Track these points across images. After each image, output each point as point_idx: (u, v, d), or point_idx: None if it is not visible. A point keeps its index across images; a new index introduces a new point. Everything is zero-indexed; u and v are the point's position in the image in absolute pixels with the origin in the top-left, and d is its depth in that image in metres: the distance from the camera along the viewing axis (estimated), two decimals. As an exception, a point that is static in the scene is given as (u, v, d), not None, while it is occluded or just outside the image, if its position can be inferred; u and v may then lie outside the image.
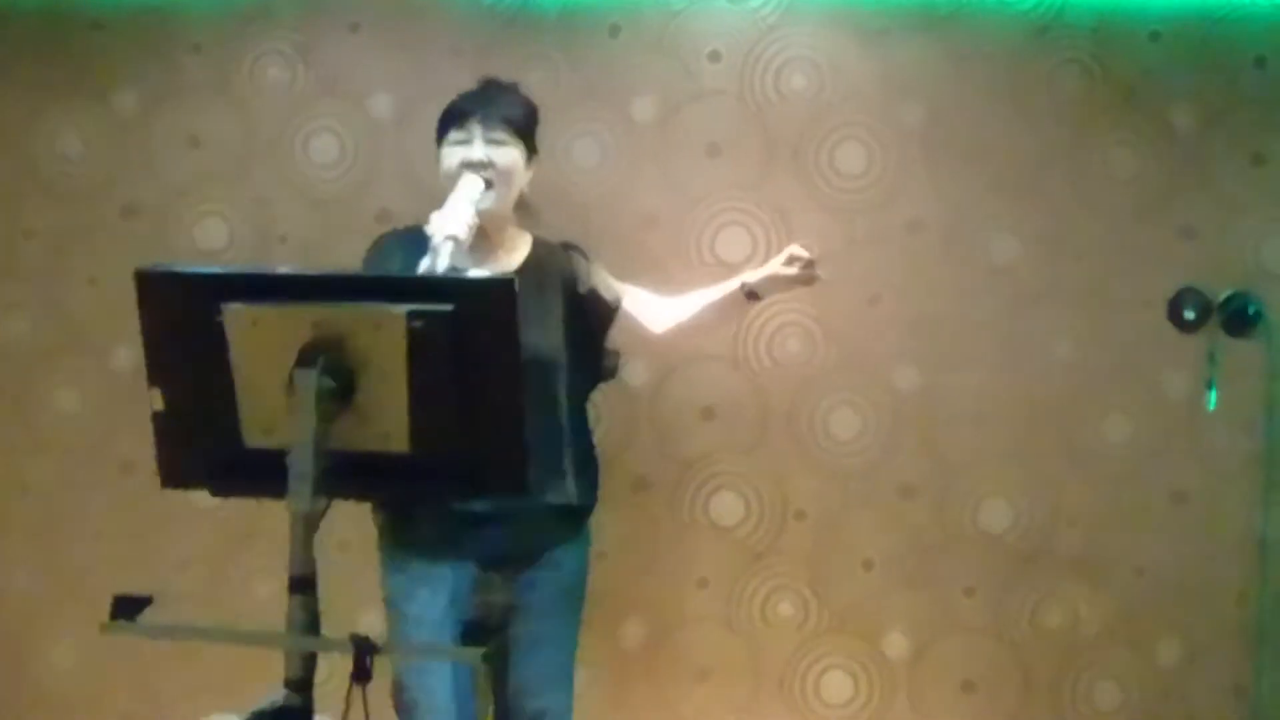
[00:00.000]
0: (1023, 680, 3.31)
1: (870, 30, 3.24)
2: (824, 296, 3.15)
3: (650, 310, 2.83)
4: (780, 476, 3.30)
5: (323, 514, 1.87)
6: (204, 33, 3.28)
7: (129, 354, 3.12)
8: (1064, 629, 3.30)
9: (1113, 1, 3.23)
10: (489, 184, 2.55)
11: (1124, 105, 3.26)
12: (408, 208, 2.96)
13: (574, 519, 2.71)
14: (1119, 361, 3.28)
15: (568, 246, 2.77)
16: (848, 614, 3.31)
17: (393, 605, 2.63)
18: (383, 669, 2.40)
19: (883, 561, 3.31)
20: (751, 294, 2.81)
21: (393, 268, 2.50)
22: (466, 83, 2.76)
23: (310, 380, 1.82)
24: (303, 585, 1.84)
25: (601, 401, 3.16)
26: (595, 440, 2.83)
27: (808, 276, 2.78)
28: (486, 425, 1.90)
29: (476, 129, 2.58)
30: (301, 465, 1.82)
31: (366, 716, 1.82)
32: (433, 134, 2.68)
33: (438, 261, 2.31)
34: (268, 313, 1.87)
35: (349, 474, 1.88)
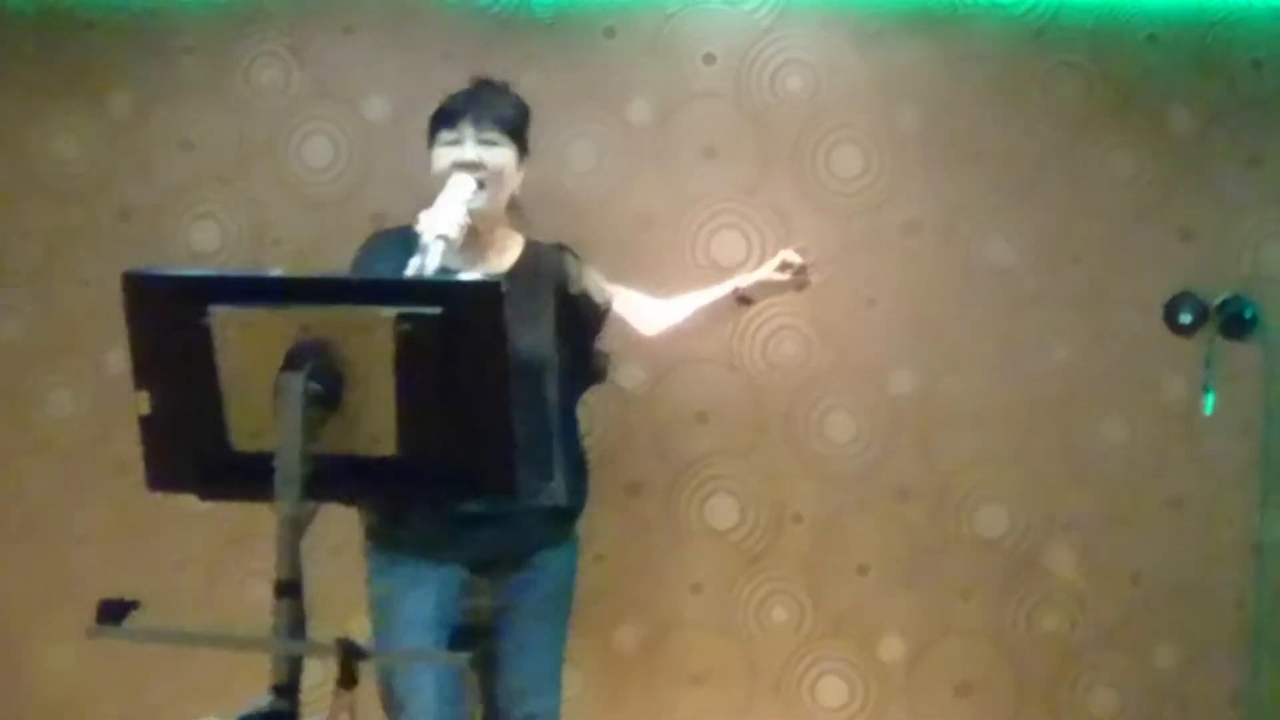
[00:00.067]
0: (1019, 684, 3.30)
1: (866, 32, 3.23)
2: (820, 299, 3.15)
3: (642, 313, 2.82)
4: (776, 480, 3.29)
5: (310, 518, 1.86)
6: (198, 34, 3.27)
7: (123, 356, 3.02)
8: (1060, 633, 3.29)
9: (1109, 4, 3.22)
10: (481, 184, 2.54)
11: (1121, 107, 3.25)
12: (402, 210, 2.92)
13: (563, 521, 2.70)
14: (1116, 364, 3.28)
15: (559, 248, 2.76)
16: (844, 618, 3.30)
17: (380, 606, 2.62)
18: (370, 667, 2.41)
19: (879, 565, 3.30)
20: (744, 298, 2.81)
21: (383, 268, 2.49)
22: (460, 85, 2.75)
23: (297, 383, 1.81)
24: (289, 589, 1.83)
25: (596, 404, 3.16)
26: (588, 443, 2.82)
27: (800, 282, 2.77)
28: (475, 428, 1.89)
29: (468, 130, 2.57)
30: (288, 468, 1.81)
31: (352, 721, 1.81)
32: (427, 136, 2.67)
33: (427, 260, 2.30)
34: (255, 315, 1.86)
35: (337, 477, 1.87)
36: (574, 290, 2.71)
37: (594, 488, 2.88)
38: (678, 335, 2.85)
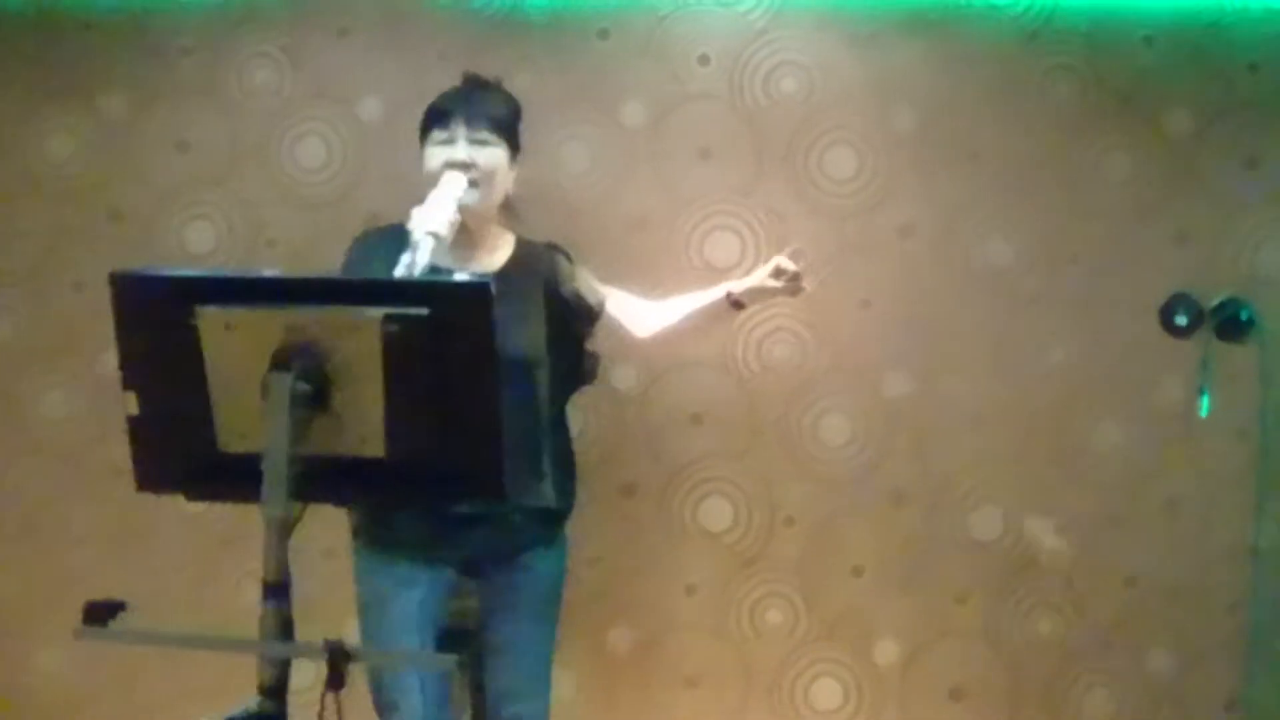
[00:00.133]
0: (1014, 688, 3.29)
1: (860, 34, 3.23)
2: (814, 301, 3.14)
3: (635, 314, 2.82)
4: (770, 482, 3.28)
5: (298, 519, 1.86)
6: (193, 36, 3.27)
7: (117, 358, 3.10)
8: (1055, 637, 3.28)
9: (1104, 6, 3.22)
10: (473, 183, 2.53)
11: (1117, 109, 3.25)
12: (396, 211, 2.91)
13: (551, 522, 2.69)
14: (1112, 367, 3.27)
15: (552, 247, 2.76)
16: (838, 621, 3.29)
17: (369, 608, 2.62)
18: (362, 667, 2.41)
19: (873, 568, 3.29)
20: (737, 303, 2.81)
21: (373, 265, 2.49)
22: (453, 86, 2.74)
23: (284, 384, 1.81)
24: (276, 591, 1.83)
25: (590, 406, 3.16)
26: (582, 444, 2.81)
27: (794, 289, 2.78)
28: (463, 430, 1.90)
29: (460, 129, 2.57)
30: (275, 470, 1.81)
31: (340, 723, 1.81)
32: (421, 138, 2.67)
33: (417, 257, 2.30)
34: (242, 316, 1.86)
35: (324, 479, 1.87)
36: (565, 290, 2.70)
37: (588, 489, 2.88)
38: (670, 338, 2.84)
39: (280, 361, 1.82)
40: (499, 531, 2.54)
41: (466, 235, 2.56)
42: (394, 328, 1.83)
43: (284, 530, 1.82)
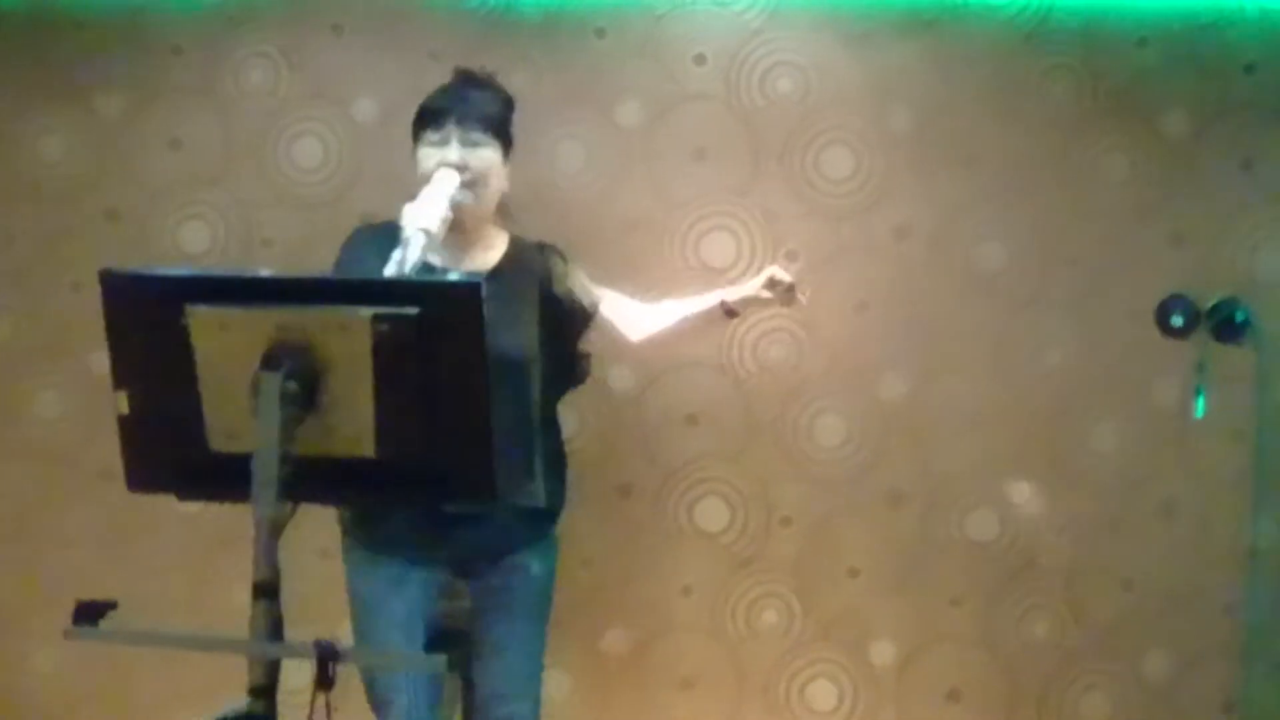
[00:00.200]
0: (1010, 690, 3.28)
1: (856, 34, 3.22)
2: (811, 302, 3.13)
3: (628, 318, 2.80)
4: (766, 483, 3.28)
5: (288, 519, 1.85)
6: (188, 35, 3.27)
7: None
8: (1051, 639, 3.27)
9: (1101, 6, 3.21)
10: (466, 185, 2.52)
11: (1114, 110, 3.24)
12: (392, 211, 2.90)
13: (542, 522, 2.68)
14: (1108, 369, 3.26)
15: (546, 247, 2.75)
16: (834, 622, 3.29)
17: (360, 606, 2.62)
18: (356, 667, 2.40)
19: (869, 569, 3.29)
20: (730, 311, 2.80)
21: (366, 262, 2.47)
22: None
23: (274, 384, 1.81)
24: (266, 591, 1.82)
25: (586, 406, 3.15)
26: (577, 445, 2.80)
27: (787, 300, 2.78)
28: (454, 430, 1.89)
29: (453, 130, 2.55)
30: (265, 470, 1.80)
31: (329, 723, 1.80)
32: (416, 138, 2.66)
33: (408, 254, 2.29)
34: (232, 315, 1.86)
35: (315, 479, 1.87)
36: (559, 290, 2.69)
37: (584, 490, 2.88)
38: (662, 342, 2.84)
39: (270, 361, 1.82)
40: (490, 531, 2.53)
41: (461, 234, 2.55)
42: (384, 327, 1.82)
43: (274, 530, 1.81)
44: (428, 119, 2.58)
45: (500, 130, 2.62)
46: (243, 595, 3.14)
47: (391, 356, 1.83)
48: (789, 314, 3.21)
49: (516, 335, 2.55)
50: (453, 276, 2.52)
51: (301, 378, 1.82)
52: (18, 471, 3.32)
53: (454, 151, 2.54)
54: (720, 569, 3.28)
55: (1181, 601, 3.27)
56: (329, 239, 2.99)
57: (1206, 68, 3.23)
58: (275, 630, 1.82)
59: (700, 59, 3.24)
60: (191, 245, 3.28)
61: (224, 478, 1.87)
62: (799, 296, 2.79)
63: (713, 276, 3.18)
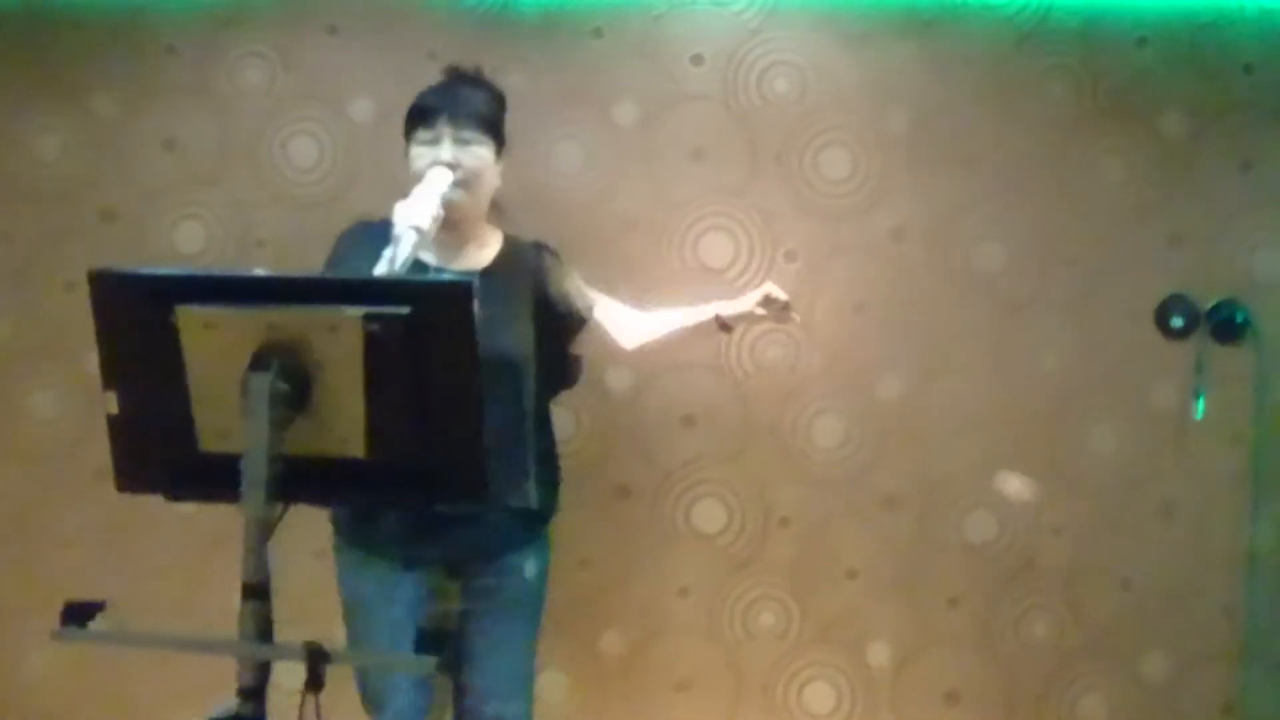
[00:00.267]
0: (1007, 692, 3.27)
1: (854, 34, 3.21)
2: (808, 303, 3.13)
3: (622, 324, 2.80)
4: (763, 484, 3.26)
5: (278, 520, 1.84)
6: (183, 35, 3.26)
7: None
8: (1049, 641, 3.26)
9: (1099, 6, 3.20)
10: (459, 184, 2.52)
11: (1112, 111, 3.23)
12: (387, 211, 2.92)
13: (534, 523, 2.67)
14: (1107, 369, 3.25)
15: (540, 246, 2.74)
16: (831, 624, 3.28)
17: (352, 607, 2.61)
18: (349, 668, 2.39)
19: (867, 570, 3.27)
20: (724, 325, 2.80)
21: (357, 260, 2.47)
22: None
23: (264, 384, 1.80)
24: (255, 592, 1.81)
25: (582, 408, 3.15)
26: (574, 446, 2.79)
27: (782, 318, 2.79)
28: (444, 430, 1.88)
29: (445, 129, 2.54)
30: (255, 470, 1.80)
31: (319, 725, 1.80)
32: (412, 138, 2.65)
33: (399, 251, 2.28)
34: (222, 315, 1.85)
35: (305, 479, 1.86)
36: (553, 291, 2.68)
37: (581, 491, 2.87)
38: (655, 350, 2.83)
39: (260, 361, 1.81)
40: (482, 532, 2.52)
41: (454, 232, 2.55)
42: (375, 327, 1.81)
43: (264, 531, 1.81)
44: (419, 117, 2.58)
45: (493, 128, 2.61)
46: (237, 596, 3.18)
47: (382, 356, 1.82)
48: (787, 315, 3.21)
49: (510, 335, 2.54)
50: (446, 276, 2.51)
51: (291, 378, 1.82)
52: (14, 472, 3.31)
53: (446, 149, 2.53)
54: (718, 570, 3.27)
55: (1180, 602, 3.26)
56: (324, 239, 2.98)
57: (1206, 68, 3.21)
58: (265, 631, 1.82)
59: (698, 59, 3.23)
60: (187, 245, 3.27)
61: (214, 478, 1.86)
62: (793, 315, 2.80)
63: (711, 277, 3.17)
